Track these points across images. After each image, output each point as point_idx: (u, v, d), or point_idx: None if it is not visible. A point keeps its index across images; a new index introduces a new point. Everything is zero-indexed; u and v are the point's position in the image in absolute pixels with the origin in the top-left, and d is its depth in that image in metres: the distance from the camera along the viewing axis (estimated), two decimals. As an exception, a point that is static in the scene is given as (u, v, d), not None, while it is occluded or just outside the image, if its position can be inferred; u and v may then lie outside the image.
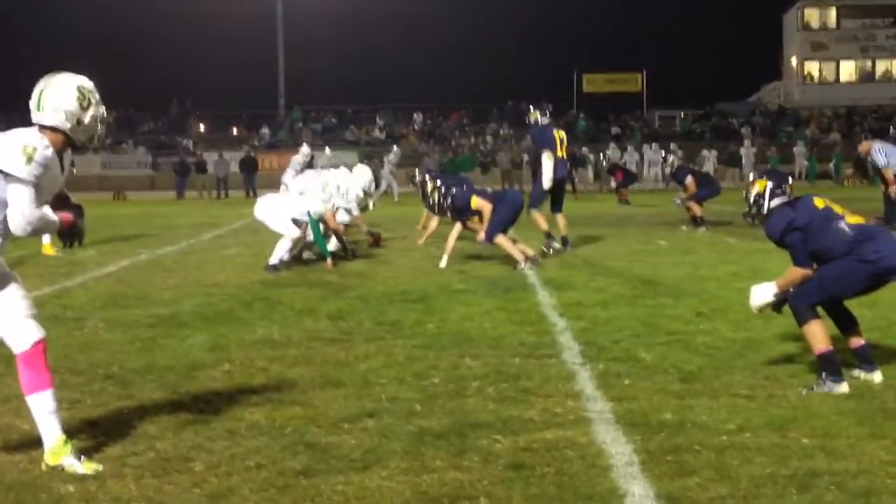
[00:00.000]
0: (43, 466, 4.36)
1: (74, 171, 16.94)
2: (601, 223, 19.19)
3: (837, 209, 5.81)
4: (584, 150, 39.54)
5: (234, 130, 53.06)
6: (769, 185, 6.00)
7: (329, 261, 12.10)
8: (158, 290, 10.31)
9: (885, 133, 38.55)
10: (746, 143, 42.91)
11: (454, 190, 12.74)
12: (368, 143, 48.82)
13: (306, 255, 12.94)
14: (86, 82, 4.47)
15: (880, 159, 15.98)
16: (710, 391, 5.62)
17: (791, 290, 5.76)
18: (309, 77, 59.43)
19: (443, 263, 11.93)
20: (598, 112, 53.58)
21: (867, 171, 31.85)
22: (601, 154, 38.91)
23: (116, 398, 5.64)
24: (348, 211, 14.19)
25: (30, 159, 4.21)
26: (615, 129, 50.73)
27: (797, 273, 5.73)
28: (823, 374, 5.58)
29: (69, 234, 4.68)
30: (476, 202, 12.12)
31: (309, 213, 12.07)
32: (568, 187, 17.47)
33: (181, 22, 60.61)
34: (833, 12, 60.10)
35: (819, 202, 5.84)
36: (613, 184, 28.98)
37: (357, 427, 5.00)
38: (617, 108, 54.31)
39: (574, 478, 4.20)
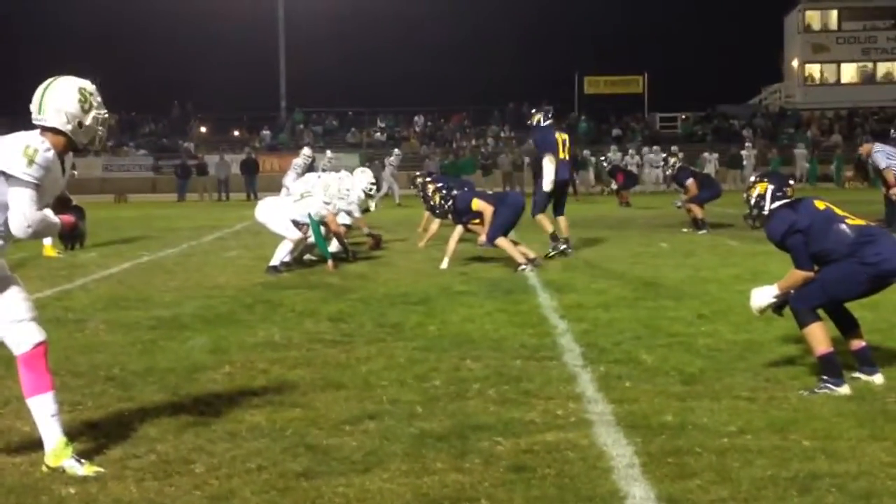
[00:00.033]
0: (44, 468, 4.36)
1: (76, 173, 16.94)
2: (602, 225, 19.20)
3: (839, 211, 5.81)
4: (586, 152, 39.51)
5: (236, 133, 53.02)
6: (770, 187, 6.00)
7: (330, 263, 12.10)
8: (159, 292, 10.31)
9: (886, 135, 38.45)
10: (747, 145, 42.86)
11: (455, 192, 12.75)
12: (369, 146, 48.82)
13: (307, 257, 12.94)
14: (87, 85, 4.48)
15: (881, 161, 15.97)
16: (711, 393, 5.62)
17: (792, 292, 5.76)
18: (310, 79, 59.42)
19: (444, 265, 11.94)
20: (600, 114, 53.54)
21: (868, 173, 31.83)
22: (602, 156, 38.90)
23: (117, 400, 5.64)
24: (349, 213, 14.20)
25: (31, 161, 4.21)
26: (616, 131, 50.71)
27: (798, 275, 5.73)
28: (824, 376, 5.58)
29: (70, 237, 4.69)
30: (477, 204, 12.13)
31: (310, 215, 12.07)
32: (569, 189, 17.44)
33: (182, 24, 60.63)
34: (834, 14, 60.05)
35: (820, 204, 5.84)
36: (614, 186, 28.98)
37: (358, 429, 5.00)
38: (618, 110, 54.26)
39: (575, 480, 4.20)
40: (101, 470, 4.34)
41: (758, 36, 67.57)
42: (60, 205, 4.62)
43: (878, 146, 16.48)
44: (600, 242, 15.29)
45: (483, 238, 12.01)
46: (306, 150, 19.56)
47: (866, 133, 34.26)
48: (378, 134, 51.70)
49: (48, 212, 4.40)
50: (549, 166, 13.18)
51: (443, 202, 12.57)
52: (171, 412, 5.34)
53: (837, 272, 5.64)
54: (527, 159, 38.20)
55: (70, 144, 4.44)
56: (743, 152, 41.47)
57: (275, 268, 11.70)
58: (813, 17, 60.48)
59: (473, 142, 49.46)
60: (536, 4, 69.43)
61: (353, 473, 4.30)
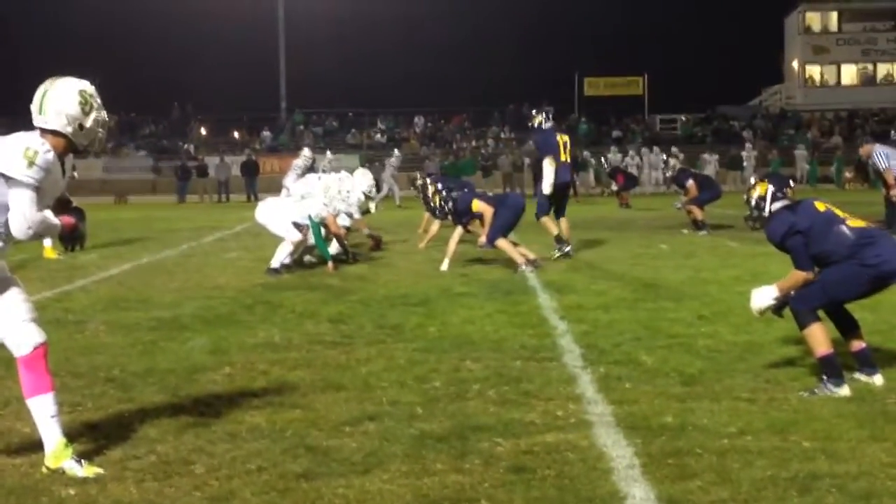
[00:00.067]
0: (44, 470, 4.36)
1: (76, 174, 16.97)
2: (602, 227, 19.20)
3: (839, 212, 5.81)
4: (586, 153, 39.51)
5: (236, 134, 53.01)
6: (770, 188, 6.00)
7: (330, 264, 12.11)
8: (159, 293, 10.31)
9: (887, 136, 38.48)
10: (748, 146, 42.85)
11: (455, 193, 12.75)
12: (370, 147, 48.81)
13: (307, 258, 12.94)
14: (88, 86, 4.48)
15: (881, 162, 15.97)
16: (711, 394, 5.62)
17: (792, 293, 5.76)
18: (310, 80, 59.42)
19: (444, 267, 11.94)
20: (600, 115, 53.53)
21: (868, 175, 31.85)
22: (601, 157, 38.90)
23: (117, 401, 5.64)
24: (349, 214, 14.19)
25: (31, 163, 4.21)
26: (616, 133, 50.71)
27: (798, 277, 5.73)
28: (824, 377, 5.58)
29: (70, 238, 4.69)
30: (477, 205, 12.13)
31: (310, 216, 12.08)
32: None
33: (182, 25, 60.63)
34: (834, 16, 60.07)
35: (820, 206, 5.84)
36: (614, 187, 28.98)
37: (358, 430, 5.00)
38: (618, 112, 54.25)
39: (575, 481, 4.20)
40: (101, 471, 4.34)
41: (758, 37, 67.58)
42: (60, 206, 4.62)
43: (878, 147, 16.47)
44: (600, 244, 15.29)
45: (483, 239, 12.01)
46: (306, 152, 19.48)
47: (866, 134, 34.25)
48: (378, 135, 51.70)
49: (48, 213, 4.40)
50: (548, 169, 13.16)
51: (443, 203, 12.57)
52: (171, 413, 5.34)
53: (838, 273, 5.64)
54: (527, 160, 38.21)
55: (70, 146, 4.44)
56: (743, 153, 41.47)
57: (275, 269, 11.71)
58: (813, 19, 60.50)
59: (473, 143, 49.45)
60: (536, 5, 69.45)
61: (353, 474, 4.30)
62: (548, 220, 13.27)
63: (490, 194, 13.32)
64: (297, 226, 12.12)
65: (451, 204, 12.42)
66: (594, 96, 56.32)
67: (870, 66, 60.00)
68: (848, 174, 39.77)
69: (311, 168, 18.19)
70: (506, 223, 11.99)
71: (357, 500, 4.02)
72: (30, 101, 4.39)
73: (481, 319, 8.32)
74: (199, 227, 21.31)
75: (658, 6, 72.31)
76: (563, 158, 13.24)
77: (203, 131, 53.23)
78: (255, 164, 40.01)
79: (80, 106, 4.38)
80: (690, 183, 17.77)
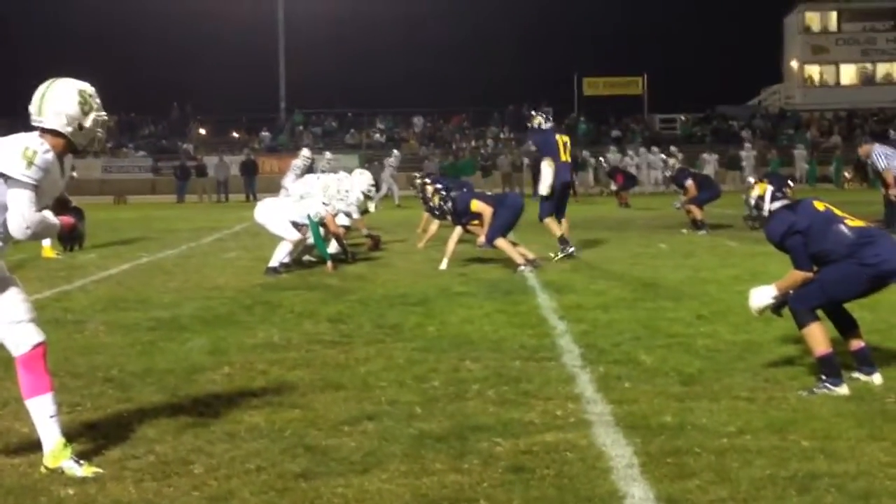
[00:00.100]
0: (42, 470, 4.36)
1: (75, 174, 16.93)
2: (601, 226, 19.20)
3: (838, 212, 5.81)
4: (585, 153, 39.51)
5: (235, 134, 53.00)
6: (770, 188, 6.00)
7: (329, 264, 12.11)
8: (158, 293, 10.31)
9: (886, 136, 38.50)
10: (747, 146, 42.86)
11: (454, 193, 12.75)
12: (369, 147, 48.80)
13: (306, 258, 12.94)
14: (87, 87, 4.48)
15: (880, 162, 15.98)
16: (710, 394, 5.62)
17: (791, 292, 5.76)
18: (309, 80, 59.44)
19: (443, 266, 11.94)
20: (599, 115, 53.52)
21: (867, 174, 31.87)
22: (600, 157, 38.89)
23: (116, 401, 5.64)
24: (348, 214, 14.20)
25: (30, 163, 4.21)
26: (616, 133, 50.71)
27: (797, 276, 5.73)
28: (823, 377, 5.58)
29: (69, 238, 4.69)
30: (476, 205, 12.14)
31: (309, 216, 12.08)
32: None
33: (181, 26, 60.62)
34: (834, 16, 60.10)
35: (819, 205, 5.84)
36: (614, 187, 28.99)
37: (357, 430, 5.00)
38: (617, 111, 54.25)
39: (574, 480, 4.20)
40: (100, 471, 4.34)
41: (757, 37, 67.62)
42: (59, 206, 4.62)
43: (877, 147, 16.48)
44: (600, 243, 15.28)
45: (482, 239, 12.02)
46: (305, 152, 19.54)
47: (865, 134, 34.28)
48: (377, 135, 51.68)
49: (47, 213, 4.40)
50: (547, 170, 13.15)
51: (442, 203, 12.57)
52: (170, 413, 5.34)
53: (836, 273, 5.64)
54: (526, 160, 38.21)
55: (69, 146, 4.44)
56: (742, 153, 41.49)
57: (274, 269, 11.71)
58: (812, 19, 60.53)
59: (473, 143, 49.45)
60: (535, 5, 69.46)
61: (351, 474, 4.30)
62: (551, 222, 13.21)
63: (489, 194, 13.33)
64: (296, 225, 12.12)
65: (450, 204, 12.43)
66: (593, 96, 56.31)
67: (869, 66, 60.03)
68: (847, 174, 39.80)
69: (310, 168, 18.23)
70: (505, 223, 12.00)
71: (356, 500, 4.02)
72: (29, 100, 4.39)
73: (480, 319, 8.32)
74: (198, 227, 21.31)
75: (657, 6, 72.35)
76: (563, 158, 13.23)
77: (202, 131, 53.21)
78: (254, 164, 40.02)
79: (80, 106, 4.38)
80: (689, 182, 17.78)
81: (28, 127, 4.37)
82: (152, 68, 61.31)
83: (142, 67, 61.01)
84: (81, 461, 4.38)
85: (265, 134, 50.69)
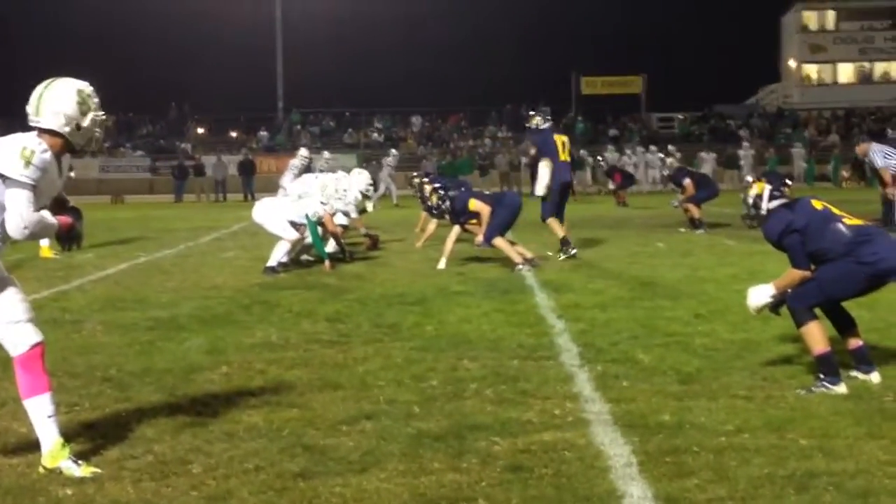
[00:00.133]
0: (41, 470, 4.36)
1: (73, 174, 16.93)
2: (599, 225, 19.20)
3: (836, 211, 5.82)
4: (583, 152, 39.52)
5: (233, 133, 53.02)
6: (767, 186, 6.00)
7: (327, 263, 12.10)
8: (156, 293, 10.30)
9: (883, 135, 38.54)
10: (745, 145, 42.90)
11: (452, 192, 12.75)
12: (367, 146, 48.81)
13: (304, 257, 12.94)
14: (85, 86, 4.47)
15: (878, 161, 15.99)
16: (708, 392, 5.62)
17: (789, 291, 5.77)
18: (307, 80, 59.51)
19: (441, 266, 11.94)
20: (597, 114, 53.56)
21: (865, 173, 31.91)
22: (599, 156, 38.91)
23: (114, 401, 5.63)
24: (346, 214, 14.21)
25: (28, 163, 4.21)
26: (613, 132, 50.73)
27: (795, 275, 5.74)
28: (821, 375, 5.58)
29: (67, 238, 4.68)
30: (474, 204, 12.14)
31: (307, 215, 12.07)
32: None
33: (179, 25, 60.68)
34: (831, 14, 60.18)
35: (817, 204, 5.84)
36: (612, 186, 28.99)
37: (355, 429, 4.99)
38: (615, 111, 54.33)
39: (572, 479, 4.20)
40: (98, 471, 4.34)
41: (755, 36, 67.77)
42: (57, 206, 4.62)
43: (874, 146, 16.49)
44: (597, 242, 15.28)
45: (480, 238, 12.02)
46: (303, 151, 19.58)
47: (863, 133, 34.34)
48: (375, 134, 51.69)
49: (45, 213, 4.40)
50: (544, 171, 13.13)
51: (440, 202, 12.56)
52: (169, 413, 5.34)
53: (834, 271, 5.65)
54: (524, 159, 38.20)
55: (67, 146, 4.43)
56: (740, 152, 41.52)
57: (272, 268, 11.70)
58: (810, 18, 60.60)
59: (471, 142, 49.47)
60: (533, 5, 69.49)
61: (350, 473, 4.30)
62: (554, 222, 13.16)
63: (487, 193, 13.32)
64: (294, 225, 12.12)
65: (448, 203, 12.42)
66: (591, 95, 56.34)
67: (867, 65, 60.12)
68: (845, 172, 39.89)
69: (308, 168, 18.24)
70: (503, 222, 12.00)
71: (354, 499, 4.01)
72: (27, 100, 4.38)
73: (478, 318, 8.32)
74: (196, 226, 21.29)
75: (655, 5, 72.47)
76: (562, 158, 13.20)
77: (200, 131, 53.21)
78: (252, 164, 40.02)
79: (78, 106, 4.38)
80: (687, 181, 17.78)
81: (26, 127, 4.37)
82: (150, 68, 61.37)
83: (140, 67, 61.07)
84: (80, 461, 4.37)
85: (263, 133, 50.70)
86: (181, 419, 5.20)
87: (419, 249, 14.42)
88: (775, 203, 5.93)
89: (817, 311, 5.74)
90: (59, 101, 4.35)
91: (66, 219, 4.57)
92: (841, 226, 5.68)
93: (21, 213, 4.22)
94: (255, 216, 12.61)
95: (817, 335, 5.62)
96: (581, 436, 4.81)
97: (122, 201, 37.38)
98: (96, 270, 12.42)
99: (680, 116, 54.39)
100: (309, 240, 12.35)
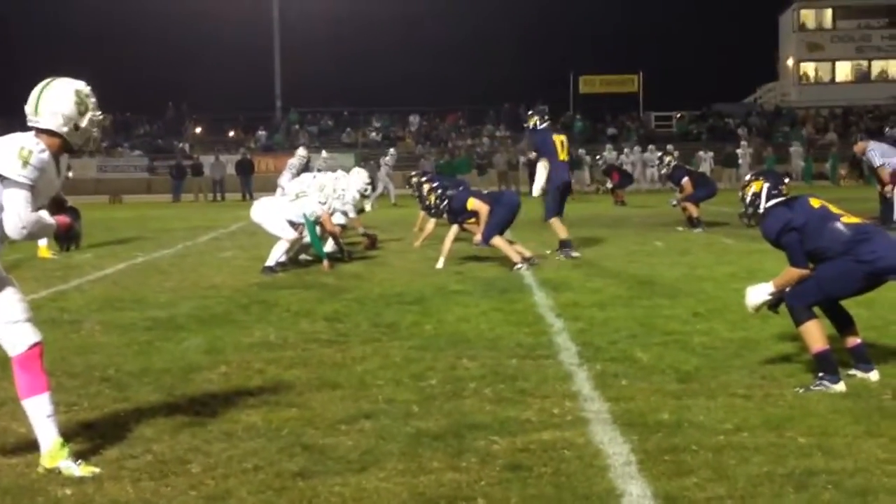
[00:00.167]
0: (40, 470, 4.36)
1: (71, 174, 16.94)
2: (598, 224, 19.20)
3: (834, 209, 5.82)
4: (581, 151, 39.53)
5: (231, 133, 53.03)
6: (766, 185, 6.01)
7: (325, 263, 12.10)
8: (155, 292, 10.30)
9: (881, 133, 38.56)
10: (743, 143, 42.93)
11: (451, 192, 12.75)
12: (365, 146, 48.82)
13: (303, 257, 12.94)
14: (83, 86, 4.47)
15: (875, 159, 16.00)
16: (707, 391, 5.62)
17: (787, 289, 5.77)
18: (305, 79, 59.49)
19: (439, 265, 11.93)
20: (595, 113, 53.58)
21: (863, 171, 31.93)
22: (597, 155, 38.91)
23: (113, 401, 5.63)
24: (345, 213, 14.21)
25: (25, 163, 4.21)
26: (611, 131, 50.76)
27: (794, 273, 5.74)
28: (820, 374, 5.58)
29: (65, 238, 4.68)
30: (473, 204, 12.14)
31: (305, 215, 12.07)
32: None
33: (177, 25, 60.64)
34: (829, 13, 60.19)
35: (815, 202, 5.84)
36: (609, 185, 28.98)
37: (354, 428, 4.99)
38: (613, 109, 54.33)
39: (571, 478, 4.20)
40: (98, 470, 4.34)
41: (752, 35, 67.75)
42: (55, 206, 4.61)
43: (872, 144, 16.52)
44: (596, 241, 15.29)
45: (479, 237, 12.02)
46: (301, 151, 19.58)
47: (861, 131, 34.33)
48: (373, 134, 51.70)
49: (43, 213, 4.40)
50: (542, 172, 13.12)
51: (438, 202, 12.56)
52: (167, 412, 5.33)
53: (833, 270, 5.65)
54: (522, 158, 38.20)
55: (65, 146, 4.43)
56: (738, 151, 41.55)
57: (270, 268, 11.70)
58: (808, 16, 60.63)
59: (469, 141, 49.48)
60: (531, 4, 69.50)
61: (349, 473, 4.30)
62: (556, 222, 13.13)
63: (485, 192, 13.32)
64: (292, 224, 12.11)
65: (446, 202, 12.42)
66: (589, 94, 56.36)
67: (864, 63, 60.14)
68: (843, 171, 39.91)
69: (306, 167, 18.24)
70: (501, 221, 11.99)
71: (353, 499, 4.01)
72: (25, 100, 4.38)
73: (477, 317, 8.32)
74: (194, 226, 21.29)
75: (653, 4, 72.48)
76: (561, 157, 13.18)
77: (198, 130, 53.21)
78: (251, 163, 40.00)
79: (76, 106, 4.38)
80: (686, 180, 17.78)
81: (26, 127, 4.37)
82: (148, 67, 61.36)
83: (137, 67, 61.05)
84: (79, 461, 4.37)
85: (261, 133, 50.70)
86: (180, 419, 5.20)
87: (417, 249, 14.41)
88: (773, 202, 5.93)
89: (816, 309, 5.74)
90: (57, 101, 4.35)
91: (64, 219, 4.57)
92: (839, 224, 5.68)
93: (19, 213, 4.22)
94: (253, 216, 12.61)
95: (816, 333, 5.63)
96: (580, 434, 4.82)
97: (120, 201, 37.36)
98: (94, 270, 12.41)
99: (678, 115, 54.41)
100: (307, 239, 12.35)
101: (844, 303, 5.90)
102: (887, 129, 44.33)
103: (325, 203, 12.38)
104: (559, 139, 13.34)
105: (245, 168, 39.38)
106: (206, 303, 9.47)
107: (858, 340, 5.87)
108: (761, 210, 5.96)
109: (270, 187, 22.07)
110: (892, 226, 14.19)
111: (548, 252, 13.10)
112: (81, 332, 7.91)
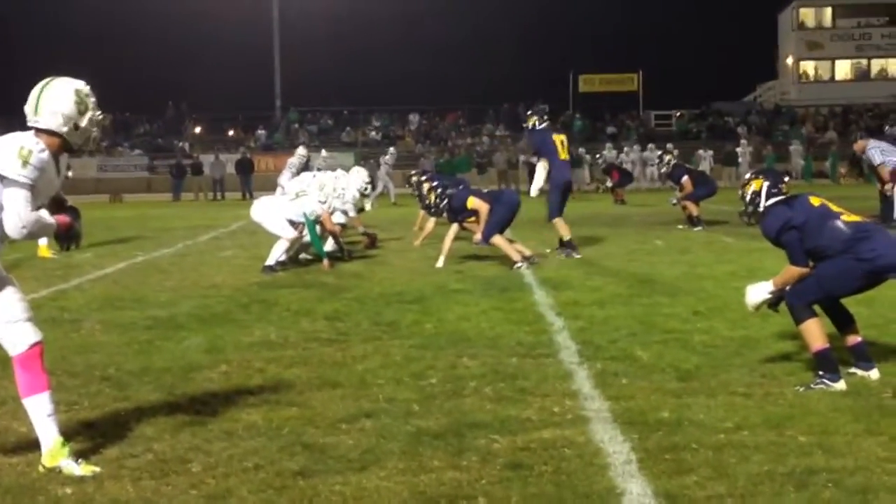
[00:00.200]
0: (40, 469, 4.36)
1: (71, 174, 16.93)
2: (598, 223, 19.19)
3: (834, 207, 5.82)
4: (581, 150, 39.54)
5: (231, 132, 53.03)
6: (765, 183, 6.01)
7: (326, 262, 12.10)
8: (155, 292, 10.30)
9: (881, 131, 38.57)
10: (743, 142, 42.93)
11: (451, 191, 12.74)
12: (365, 145, 48.83)
13: (303, 256, 12.94)
14: (83, 86, 4.47)
15: (876, 157, 16.00)
16: (707, 389, 5.62)
17: (787, 288, 5.77)
18: (305, 79, 59.46)
19: (439, 264, 11.93)
20: (595, 112, 53.58)
21: (862, 170, 31.92)
22: (596, 154, 38.92)
23: (113, 400, 5.63)
24: (345, 212, 14.20)
25: (25, 162, 4.21)
26: (611, 129, 50.76)
27: (793, 272, 5.74)
28: (820, 372, 5.58)
29: (65, 237, 4.68)
30: (473, 202, 12.13)
31: (305, 214, 12.07)
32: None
33: (176, 24, 60.62)
34: (828, 11, 60.18)
35: (815, 200, 5.84)
36: (609, 184, 28.98)
37: (354, 427, 4.99)
38: (613, 108, 54.33)
39: (572, 477, 4.20)
40: (98, 469, 4.34)
41: (752, 33, 67.74)
42: (55, 205, 4.61)
43: (872, 142, 16.50)
44: (596, 240, 15.28)
45: (478, 236, 12.02)
46: (301, 150, 19.58)
47: (861, 129, 34.35)
48: (373, 133, 51.70)
49: (43, 212, 4.40)
50: (541, 172, 13.11)
51: (438, 201, 12.56)
52: (168, 412, 5.34)
53: (833, 268, 5.65)
54: (521, 157, 38.21)
55: (65, 145, 4.43)
56: (738, 149, 41.54)
57: (270, 267, 11.70)
58: (807, 15, 60.62)
59: (469, 140, 49.48)
60: (531, 3, 69.47)
61: (349, 472, 4.30)
62: (560, 222, 13.12)
63: (485, 191, 13.32)
64: (292, 223, 12.11)
65: (446, 201, 12.42)
66: (589, 93, 56.35)
67: (864, 62, 60.14)
68: (842, 169, 39.90)
69: (306, 166, 18.24)
70: (501, 220, 11.99)
71: (354, 498, 4.01)
72: (25, 100, 4.38)
73: (477, 316, 8.32)
74: (194, 225, 21.29)
75: (653, 3, 72.44)
76: (562, 157, 13.16)
77: (198, 130, 53.21)
78: (250, 163, 40.00)
79: (76, 105, 4.38)
80: (685, 179, 17.78)
81: (26, 126, 4.37)
82: (147, 67, 61.33)
83: (137, 66, 61.03)
84: (79, 460, 4.37)
85: (261, 132, 50.71)
86: (180, 418, 5.20)
87: (417, 248, 14.41)
88: (773, 200, 5.94)
89: (816, 307, 5.74)
90: (57, 100, 4.35)
91: (64, 218, 4.57)
92: (839, 222, 5.68)
93: (19, 213, 4.22)
94: (253, 215, 12.61)
95: (816, 332, 5.63)
96: (580, 433, 4.82)
97: (121, 200, 37.36)
98: (95, 270, 12.41)
99: (677, 114, 54.40)
100: (307, 238, 12.35)
101: (845, 301, 5.90)
102: (887, 127, 44.41)
103: (324, 202, 12.38)
104: (559, 138, 13.32)
105: (245, 167, 39.39)
106: (206, 302, 9.48)
107: (859, 339, 5.87)
108: (761, 208, 5.96)
109: (270, 186, 22.06)
110: (892, 224, 14.19)
111: (548, 251, 13.11)
112: (82, 332, 7.91)
